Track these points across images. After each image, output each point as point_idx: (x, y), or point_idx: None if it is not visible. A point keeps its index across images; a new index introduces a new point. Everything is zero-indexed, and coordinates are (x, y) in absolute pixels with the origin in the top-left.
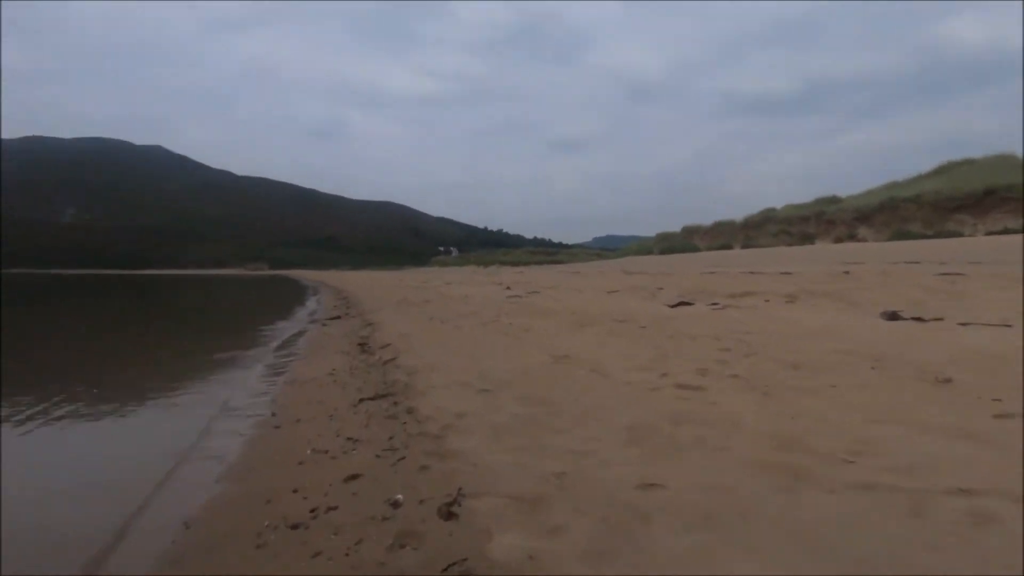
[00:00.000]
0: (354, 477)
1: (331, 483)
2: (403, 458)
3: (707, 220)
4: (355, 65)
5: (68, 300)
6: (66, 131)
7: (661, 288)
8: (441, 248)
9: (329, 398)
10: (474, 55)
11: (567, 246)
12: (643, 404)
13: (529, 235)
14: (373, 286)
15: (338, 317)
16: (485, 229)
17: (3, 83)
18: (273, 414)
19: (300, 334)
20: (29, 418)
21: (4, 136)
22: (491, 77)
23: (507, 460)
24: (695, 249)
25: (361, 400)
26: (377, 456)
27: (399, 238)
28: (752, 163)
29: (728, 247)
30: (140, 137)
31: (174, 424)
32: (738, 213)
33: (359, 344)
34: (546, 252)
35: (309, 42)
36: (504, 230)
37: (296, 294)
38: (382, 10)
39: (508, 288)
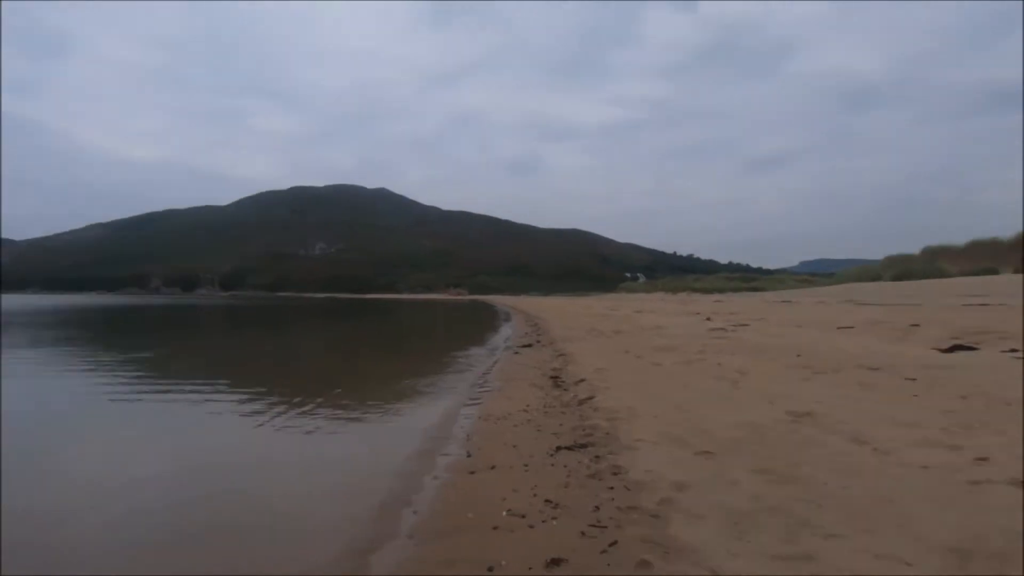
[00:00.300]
0: (556, 562)
1: (531, 566)
2: (615, 542)
3: (951, 238)
4: (549, 102)
5: (307, 321)
6: (321, 180)
7: (915, 325)
8: (628, 274)
9: (524, 441)
10: (661, 78)
11: (768, 271)
12: (964, 507)
13: (723, 260)
14: (562, 312)
15: (529, 345)
16: (674, 254)
17: (287, 146)
18: (468, 455)
19: (494, 361)
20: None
21: (282, 187)
22: (679, 98)
23: (763, 574)
24: (943, 274)
25: (558, 448)
26: (583, 534)
27: (586, 264)
28: (1011, 168)
29: (993, 271)
30: (370, 181)
31: (370, 462)
32: (996, 229)
33: (552, 378)
34: (743, 278)
35: (510, 87)
36: (695, 255)
37: (490, 319)
38: (572, 49)
39: (708, 319)
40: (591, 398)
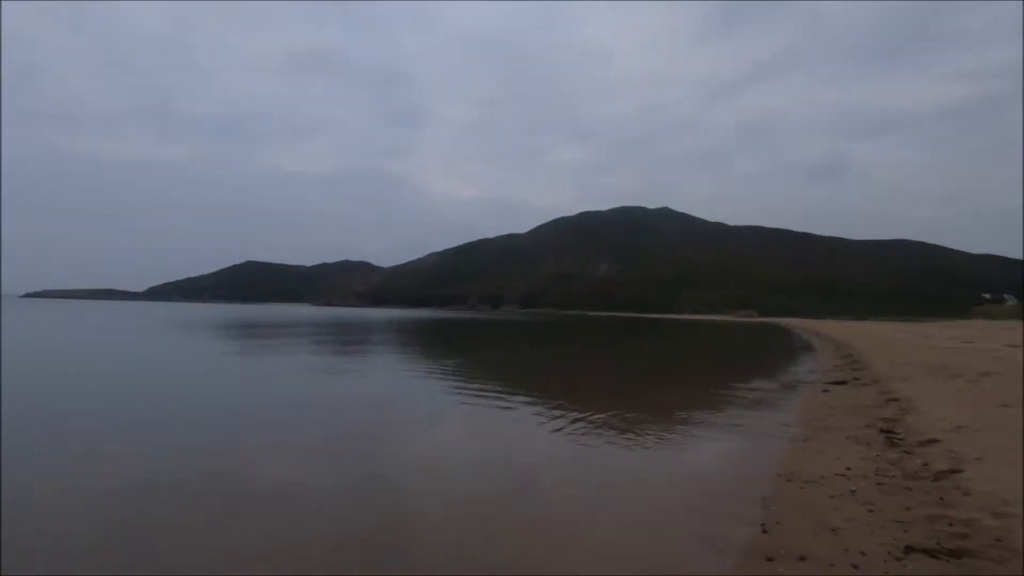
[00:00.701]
0: None
1: None
2: None
3: None
4: (860, 94)
5: (589, 337)
6: (605, 204)
7: None
8: (987, 295)
9: (848, 525)
10: None
11: None
12: None
13: None
14: (885, 342)
15: (843, 382)
16: None
17: (576, 175)
18: (764, 529)
19: (795, 399)
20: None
21: (571, 213)
22: None
23: None
24: None
25: (909, 550)
26: None
27: (918, 283)
28: None
29: None
30: (652, 202)
31: (638, 510)
32: None
33: (884, 432)
34: None
35: (807, 85)
36: None
37: (785, 345)
38: (893, 24)
39: None
40: (954, 472)
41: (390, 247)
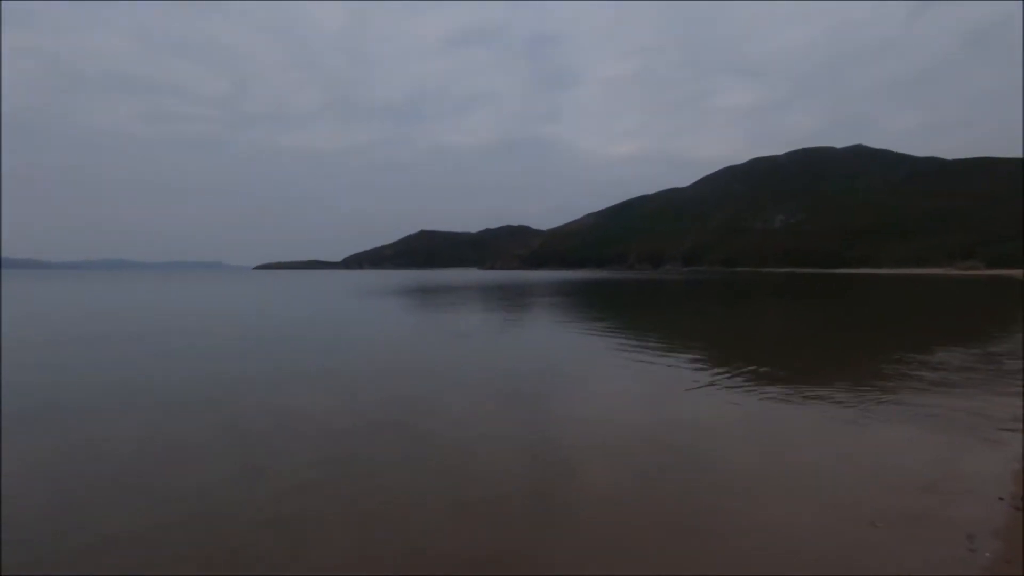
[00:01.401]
0: None
1: None
2: None
3: None
4: None
5: (764, 300)
6: (780, 148)
7: None
8: None
9: None
10: None
11: None
12: None
13: None
14: None
15: None
16: None
17: (745, 119)
18: None
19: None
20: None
21: (739, 161)
22: None
23: None
24: None
25: None
26: None
27: None
28: None
29: None
30: (840, 140)
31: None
32: None
33: None
34: None
35: None
36: None
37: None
38: None
39: None
40: None
41: (548, 210)
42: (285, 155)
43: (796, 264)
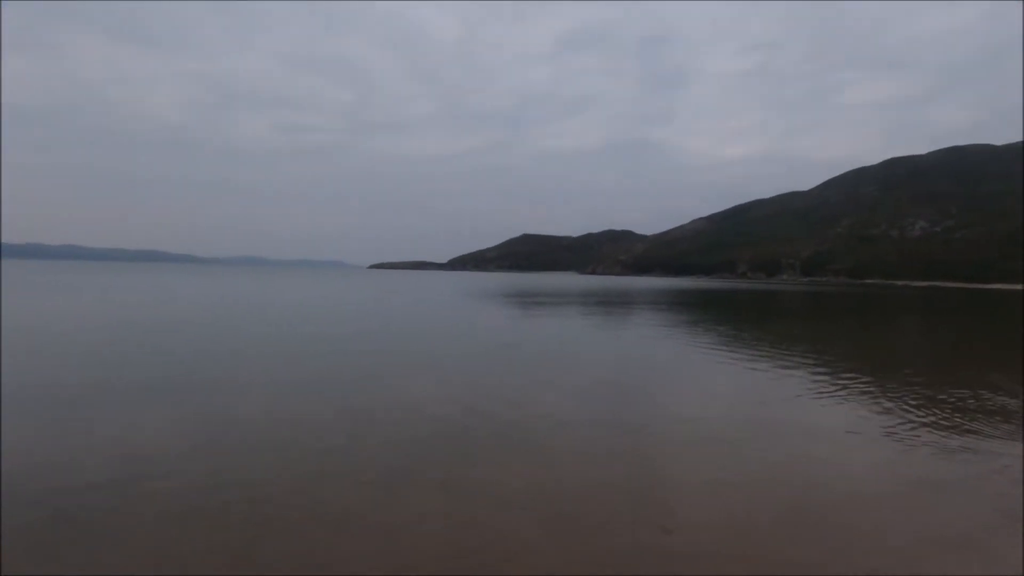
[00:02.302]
0: None
1: None
2: None
3: None
4: None
5: (904, 316)
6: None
7: None
8: None
9: None
10: None
11: None
12: None
13: None
14: None
15: None
16: None
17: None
18: None
19: None
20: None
21: (872, 162)
22: None
23: None
24: None
25: None
26: None
27: None
28: None
29: None
30: (1000, 136)
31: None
32: None
33: None
34: None
35: None
36: None
37: None
38: None
39: None
40: None
41: (653, 215)
42: (399, 161)
43: (938, 277)
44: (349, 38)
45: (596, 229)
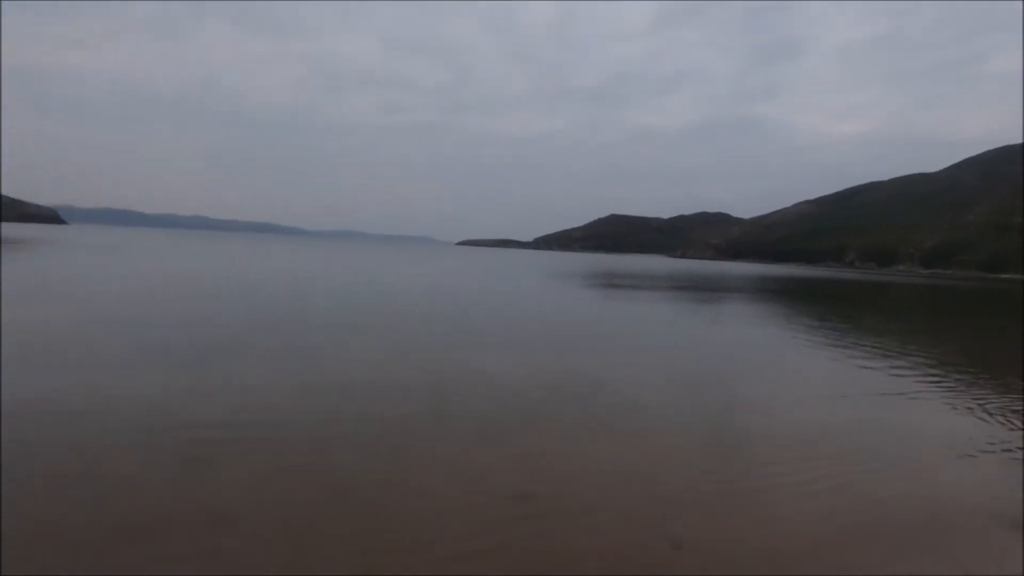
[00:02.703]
0: None
1: None
2: None
3: None
4: None
5: None
6: None
7: None
8: None
9: None
10: None
11: None
12: None
13: None
14: None
15: None
16: None
17: None
18: None
19: None
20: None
21: (1019, 140)
22: None
23: None
24: None
25: None
26: None
27: None
28: None
29: None
30: None
31: None
32: None
33: None
34: None
35: None
36: None
37: None
38: None
39: None
40: None
41: (751, 197)
42: (490, 140)
43: None
44: (448, 20)
45: (688, 211)
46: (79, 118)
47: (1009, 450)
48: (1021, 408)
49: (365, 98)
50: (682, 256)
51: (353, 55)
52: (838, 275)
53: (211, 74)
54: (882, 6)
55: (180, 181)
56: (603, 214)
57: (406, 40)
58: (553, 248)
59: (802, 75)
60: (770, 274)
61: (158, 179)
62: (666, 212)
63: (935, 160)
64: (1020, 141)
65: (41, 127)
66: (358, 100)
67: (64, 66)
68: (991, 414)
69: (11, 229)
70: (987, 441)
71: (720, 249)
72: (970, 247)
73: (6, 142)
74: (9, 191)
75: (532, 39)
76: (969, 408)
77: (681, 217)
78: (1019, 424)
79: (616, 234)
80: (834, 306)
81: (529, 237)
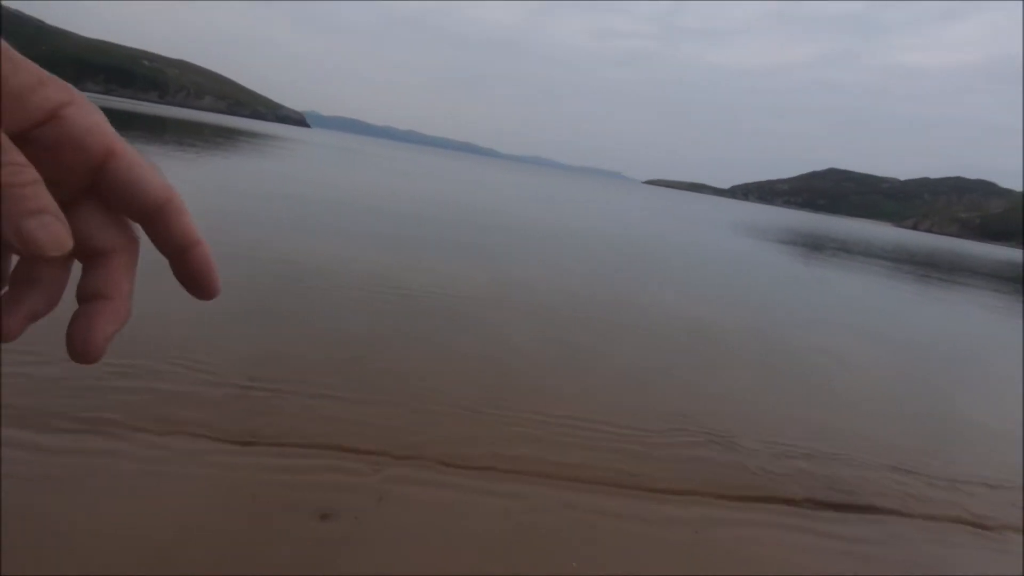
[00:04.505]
0: None
1: None
2: None
3: None
4: None
5: None
6: None
7: None
8: None
9: None
10: None
11: None
12: None
13: None
14: None
15: None
16: None
17: None
18: None
19: None
20: None
21: None
22: None
23: None
24: None
25: None
26: None
27: None
28: None
29: None
30: None
31: None
32: None
33: None
34: None
35: None
36: None
37: None
38: None
39: None
40: None
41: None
42: (709, 72)
43: None
44: None
45: (935, 175)
46: (327, 31)
47: None
48: None
49: (580, 23)
50: (915, 228)
51: None
52: None
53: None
54: None
55: (402, 97)
56: (820, 166)
57: None
58: (751, 199)
59: None
60: None
61: (385, 93)
62: (904, 173)
63: None
64: None
65: (294, 39)
66: (573, 24)
67: None
68: None
69: (269, 127)
70: None
71: (970, 226)
72: None
73: (264, 54)
74: (268, 93)
75: None
76: None
77: (925, 180)
78: None
79: (831, 191)
80: None
81: (725, 184)
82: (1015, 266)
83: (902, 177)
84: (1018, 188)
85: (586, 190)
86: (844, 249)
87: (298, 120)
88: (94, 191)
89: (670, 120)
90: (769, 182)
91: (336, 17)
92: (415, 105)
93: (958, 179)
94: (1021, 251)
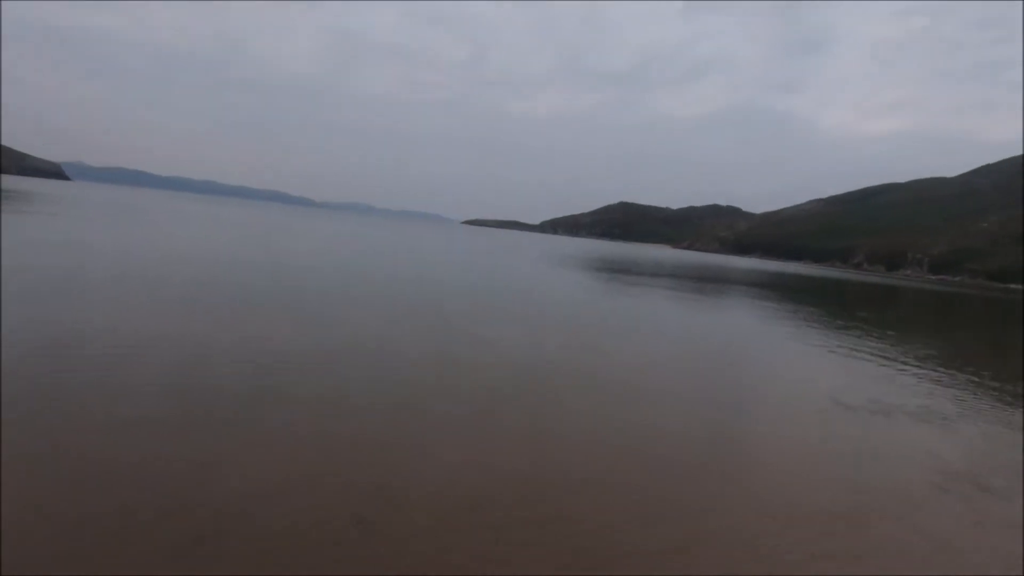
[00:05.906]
0: None
1: None
2: None
3: None
4: None
5: None
6: None
7: None
8: None
9: None
10: None
11: None
12: None
13: None
14: None
15: None
16: None
17: None
18: None
19: None
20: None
21: None
22: None
23: None
24: None
25: None
26: None
27: None
28: None
29: None
30: None
31: None
32: None
33: None
34: None
35: None
36: None
37: None
38: None
39: None
40: None
41: (764, 192)
42: (508, 120)
43: None
44: None
45: (699, 203)
46: (97, 76)
47: None
48: None
49: (386, 71)
50: (688, 248)
51: (376, 27)
52: (850, 276)
53: (232, 40)
54: (903, 8)
55: (193, 145)
56: (613, 200)
57: (428, 15)
58: (559, 232)
59: (832, 70)
60: (779, 271)
61: (171, 142)
62: (677, 203)
63: (957, 163)
64: None
65: (55, 84)
66: (378, 73)
67: (87, 27)
68: None
69: (8, 182)
70: None
71: (726, 243)
72: (979, 255)
73: (21, 97)
74: (18, 145)
75: (557, 15)
76: None
77: (692, 208)
78: None
79: (625, 222)
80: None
81: (536, 220)
82: (761, 272)
83: (674, 206)
84: (756, 211)
85: (401, 233)
86: (646, 272)
87: (52, 172)
88: None
89: (482, 163)
90: (573, 216)
91: (110, 60)
92: (211, 153)
93: (715, 206)
94: (762, 260)
